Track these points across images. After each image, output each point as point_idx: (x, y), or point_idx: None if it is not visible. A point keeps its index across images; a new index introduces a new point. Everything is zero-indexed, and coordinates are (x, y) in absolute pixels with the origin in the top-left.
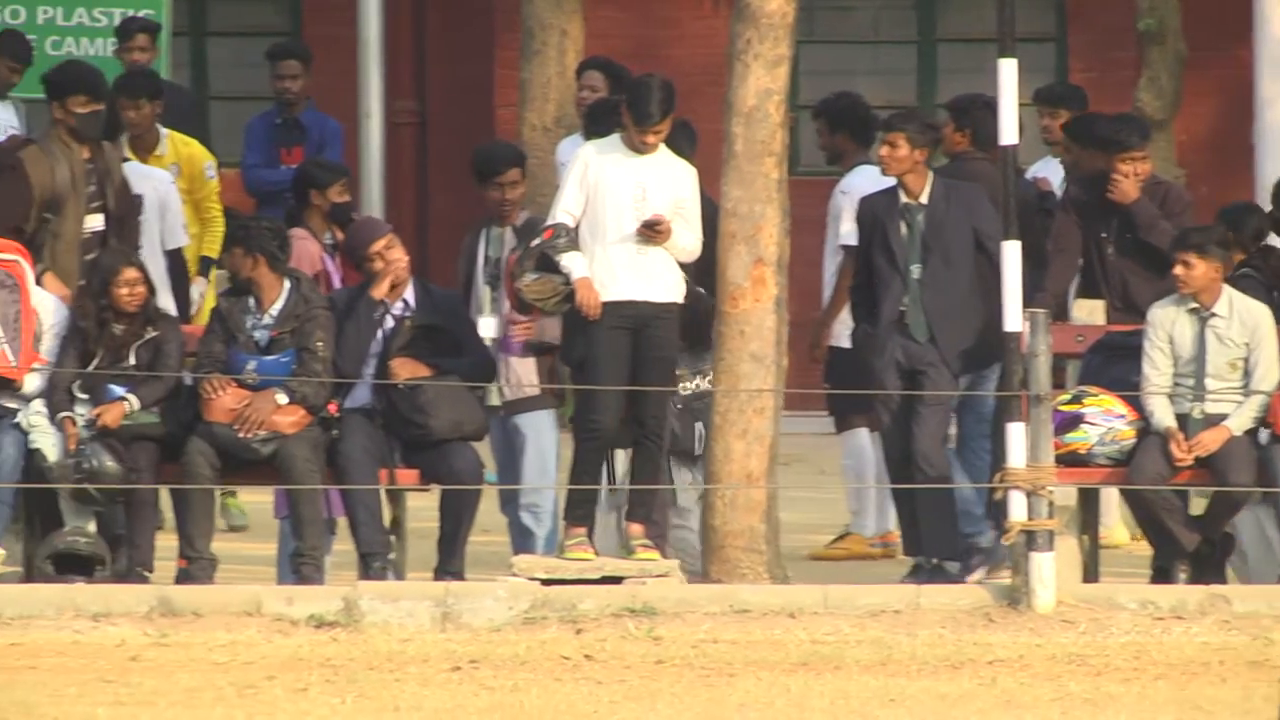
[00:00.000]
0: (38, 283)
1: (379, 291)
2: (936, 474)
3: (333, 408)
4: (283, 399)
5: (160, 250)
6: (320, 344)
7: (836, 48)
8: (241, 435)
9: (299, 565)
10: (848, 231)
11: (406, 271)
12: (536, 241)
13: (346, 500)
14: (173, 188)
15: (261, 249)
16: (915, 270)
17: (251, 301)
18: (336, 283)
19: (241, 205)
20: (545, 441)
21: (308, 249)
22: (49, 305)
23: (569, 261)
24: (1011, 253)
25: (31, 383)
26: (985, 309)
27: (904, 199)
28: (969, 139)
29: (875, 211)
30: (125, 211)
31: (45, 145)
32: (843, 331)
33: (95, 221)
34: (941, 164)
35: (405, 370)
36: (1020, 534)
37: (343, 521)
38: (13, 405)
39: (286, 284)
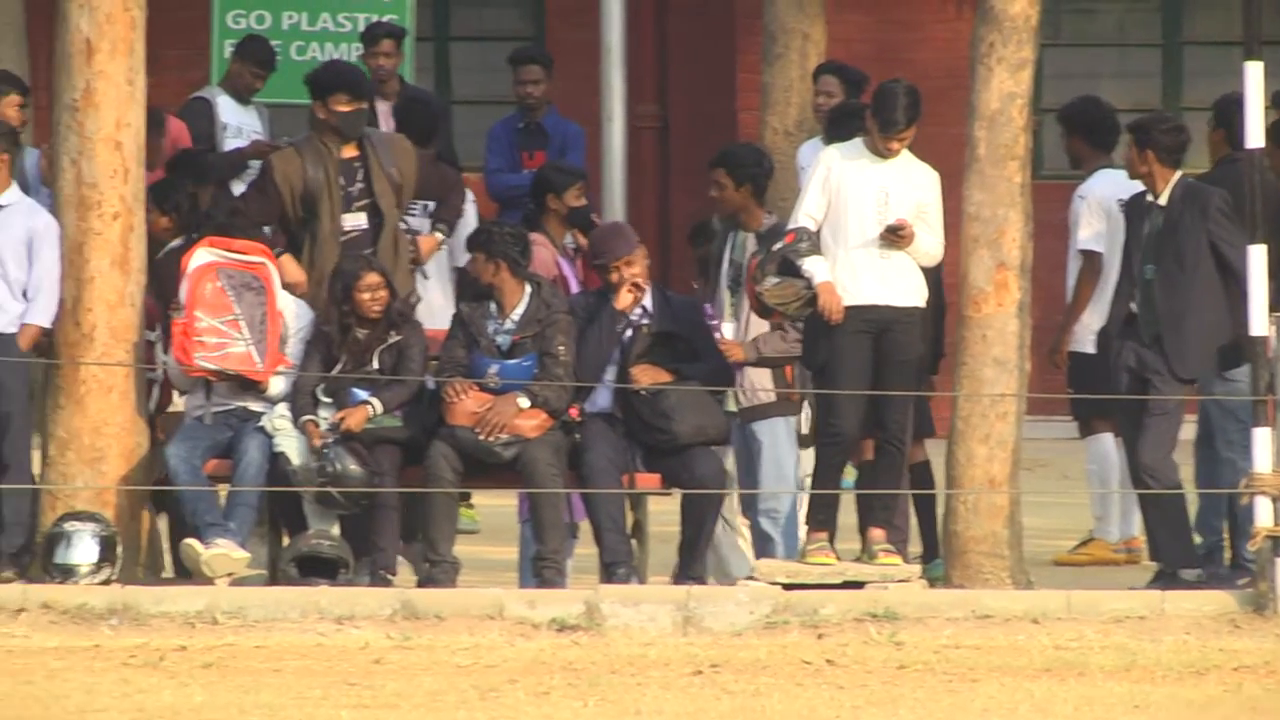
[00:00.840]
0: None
1: (620, 304)
2: (1162, 485)
3: (574, 412)
4: (524, 403)
5: None
6: (561, 348)
7: (1081, 51)
8: (483, 439)
9: (541, 569)
10: (1086, 237)
11: (646, 283)
12: (778, 246)
13: (589, 507)
14: None
15: (503, 254)
16: (1149, 271)
17: (493, 306)
18: (574, 287)
19: (484, 210)
20: (782, 448)
21: (541, 254)
22: (295, 309)
23: (811, 266)
24: (1256, 257)
25: (276, 386)
26: (1218, 313)
27: (1148, 199)
28: (1228, 141)
29: (1128, 212)
30: (390, 209)
31: (301, 145)
32: (1085, 336)
33: (357, 220)
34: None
35: (646, 377)
36: (1266, 539)
37: (585, 525)
38: (258, 408)
39: (527, 288)
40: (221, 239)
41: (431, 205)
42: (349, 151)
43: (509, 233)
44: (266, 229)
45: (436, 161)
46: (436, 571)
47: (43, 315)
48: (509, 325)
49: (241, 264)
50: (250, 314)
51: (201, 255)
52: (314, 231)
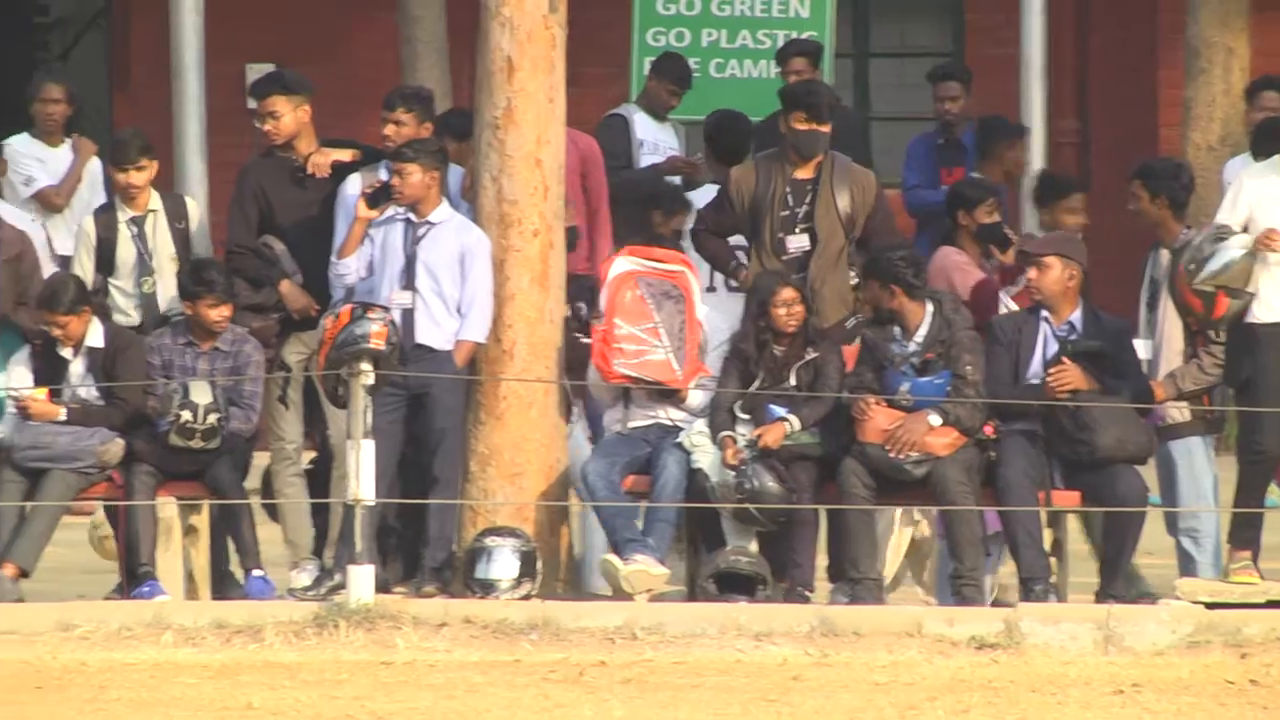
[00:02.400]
0: None
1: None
2: None
3: (989, 429)
4: (935, 420)
5: None
6: (969, 368)
7: None
8: (894, 456)
9: (959, 587)
10: None
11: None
12: (1198, 238)
13: (1006, 523)
14: None
15: (896, 279)
16: None
17: (896, 330)
18: (1007, 303)
19: (903, 226)
20: (1199, 467)
21: (963, 268)
22: (716, 324)
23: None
24: None
25: (695, 398)
26: None
27: None
28: None
29: None
30: (829, 234)
31: (761, 160)
32: None
33: (800, 242)
34: None
35: (1066, 376)
36: None
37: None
38: (675, 420)
39: (929, 307)
40: (641, 248)
41: None
42: (805, 172)
43: (899, 257)
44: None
45: (886, 201)
46: (858, 588)
47: (477, 331)
48: (914, 347)
49: (661, 272)
50: (669, 322)
51: (621, 264)
52: (758, 247)
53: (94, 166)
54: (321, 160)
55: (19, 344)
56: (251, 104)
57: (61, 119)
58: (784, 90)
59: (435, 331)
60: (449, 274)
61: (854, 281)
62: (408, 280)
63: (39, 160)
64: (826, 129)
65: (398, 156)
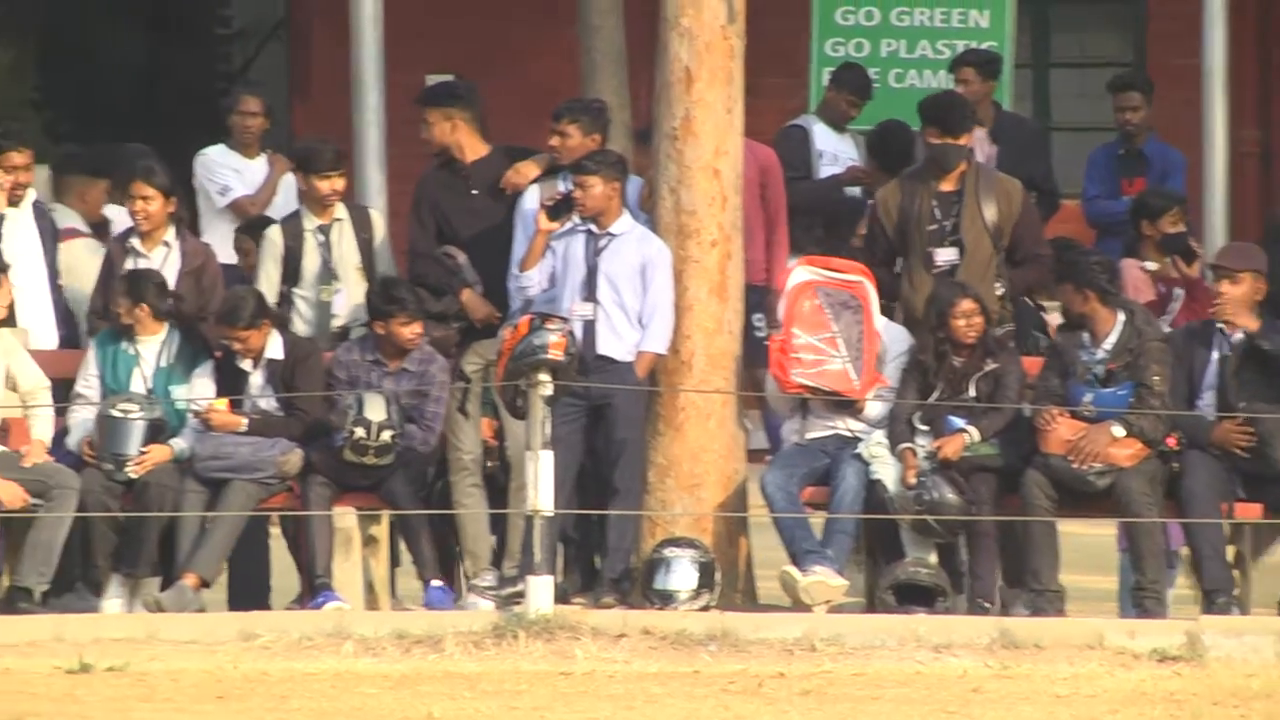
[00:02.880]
0: None
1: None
2: None
3: (1172, 441)
4: (1119, 432)
5: None
6: (1156, 378)
7: None
8: (1077, 467)
9: (1140, 599)
10: None
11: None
12: None
13: (1189, 535)
14: None
15: (1090, 284)
16: None
17: (1085, 336)
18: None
19: (1083, 237)
20: None
21: (1137, 277)
22: (895, 334)
23: None
24: None
25: (873, 409)
26: None
27: None
28: None
29: None
30: (975, 245)
31: (905, 177)
32: None
33: (949, 255)
34: None
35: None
36: None
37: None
38: (853, 431)
39: (1120, 316)
40: (819, 258)
41: None
42: (949, 185)
43: (1096, 262)
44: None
45: (1034, 209)
46: (1040, 600)
47: (658, 342)
48: (1101, 354)
49: (839, 282)
50: (848, 332)
51: (800, 273)
52: (908, 263)
53: (288, 181)
54: (517, 179)
55: (204, 357)
56: None
57: (258, 131)
58: (919, 105)
59: (617, 343)
60: (630, 285)
61: (1000, 292)
62: (589, 292)
63: (235, 170)
64: (962, 141)
65: (579, 169)
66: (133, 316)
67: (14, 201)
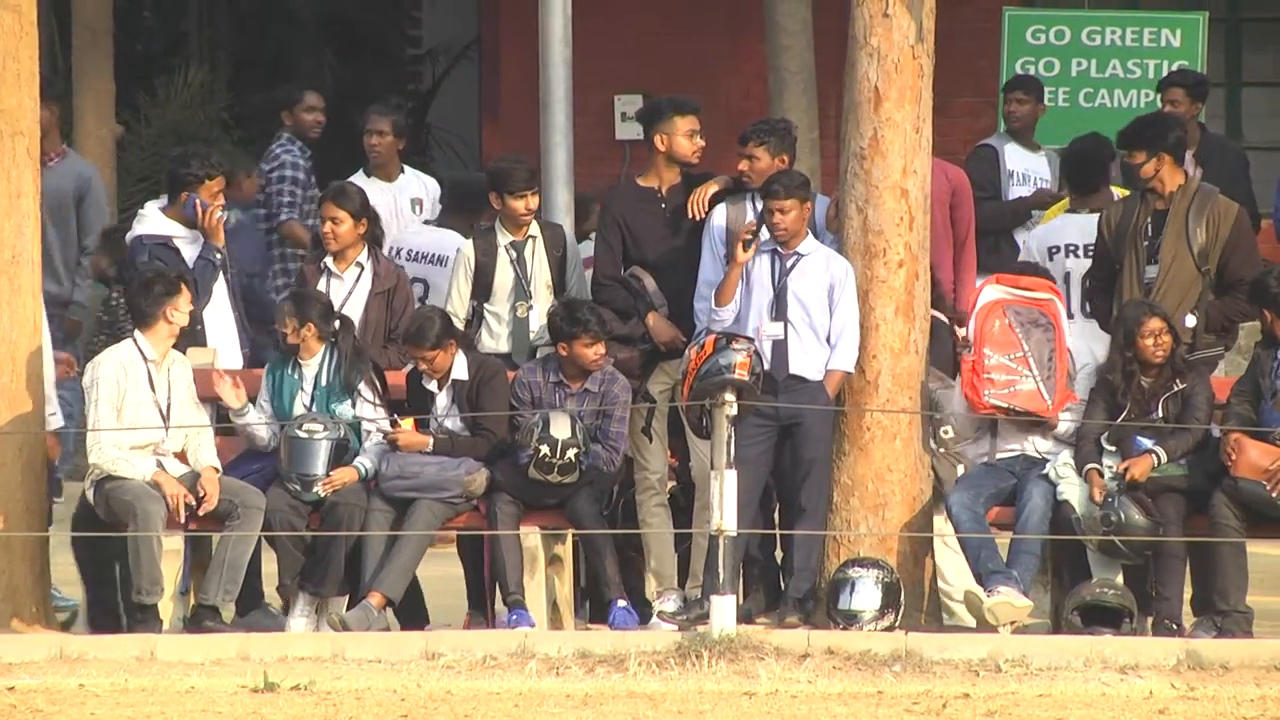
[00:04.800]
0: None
1: None
2: None
3: None
4: None
5: None
6: None
7: None
8: (1273, 494)
9: None
10: None
11: None
12: None
13: None
14: None
15: (1271, 303)
16: None
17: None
18: None
19: (1275, 255)
20: None
21: None
22: (1077, 347)
23: None
24: None
25: (1063, 423)
26: None
27: None
28: None
29: None
30: (1172, 263)
31: (1131, 195)
32: None
33: (1153, 272)
34: None
35: None
36: None
37: None
38: (1040, 452)
39: None
40: (1009, 276)
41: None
42: (1164, 203)
43: (1276, 277)
44: None
45: (1250, 234)
46: (1228, 621)
47: (847, 360)
48: None
49: (1029, 300)
50: (1038, 351)
51: (989, 292)
52: (1122, 279)
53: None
54: (700, 208)
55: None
56: (623, 135)
57: (388, 152)
58: (1120, 131)
59: (807, 361)
60: (820, 304)
61: (1191, 324)
62: (778, 311)
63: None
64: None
65: (770, 194)
66: (299, 336)
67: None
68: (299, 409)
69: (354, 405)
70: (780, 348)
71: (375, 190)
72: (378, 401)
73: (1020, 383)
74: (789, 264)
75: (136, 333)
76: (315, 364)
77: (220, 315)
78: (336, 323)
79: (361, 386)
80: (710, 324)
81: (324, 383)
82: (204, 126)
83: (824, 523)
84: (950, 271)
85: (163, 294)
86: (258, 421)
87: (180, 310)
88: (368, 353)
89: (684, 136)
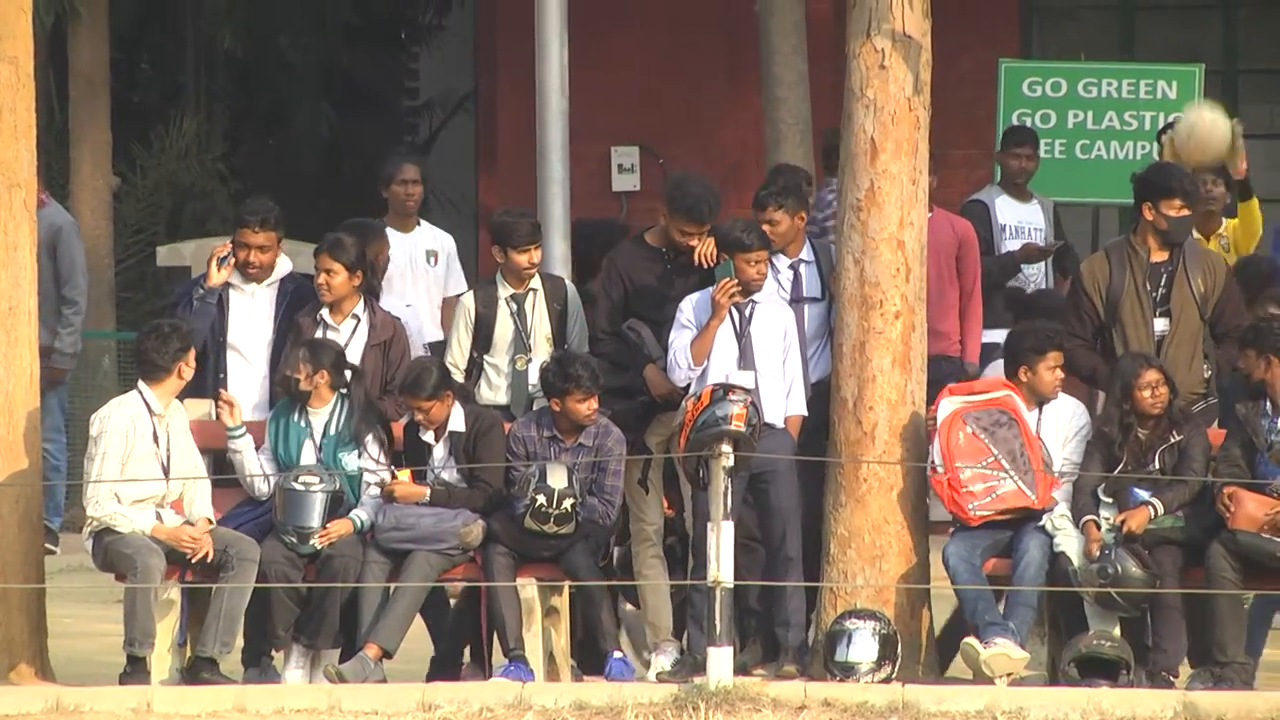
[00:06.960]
0: None
1: None
2: None
3: None
4: None
5: None
6: None
7: None
8: (1268, 537)
9: None
10: None
11: None
12: None
13: None
14: None
15: (1274, 348)
16: None
17: (1267, 404)
18: None
19: None
20: None
21: None
22: (1072, 410)
23: None
24: None
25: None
26: None
27: None
28: None
29: None
30: (1182, 315)
31: (1111, 249)
32: None
33: (1161, 325)
34: None
35: None
36: None
37: None
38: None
39: None
40: (960, 385)
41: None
42: (1159, 255)
43: (1278, 325)
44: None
45: (1235, 282)
46: (1226, 672)
47: (802, 404)
48: None
49: (985, 403)
50: (1008, 449)
51: (945, 406)
52: (1122, 335)
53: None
54: (708, 251)
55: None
56: (620, 187)
57: (419, 201)
58: (1149, 176)
59: (774, 408)
60: (777, 351)
61: (1206, 375)
62: (745, 360)
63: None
64: (1190, 213)
65: (760, 206)
66: (311, 383)
67: (255, 278)
68: (308, 457)
69: (360, 456)
70: (753, 396)
71: (392, 240)
72: (381, 457)
73: (1000, 486)
74: (747, 312)
75: (142, 384)
76: (325, 413)
77: (251, 368)
78: (348, 373)
79: (369, 439)
80: (676, 377)
81: (333, 432)
82: (200, 178)
83: (812, 566)
84: (956, 323)
85: (180, 350)
86: (251, 454)
87: (190, 365)
88: (378, 406)
89: (747, 264)
